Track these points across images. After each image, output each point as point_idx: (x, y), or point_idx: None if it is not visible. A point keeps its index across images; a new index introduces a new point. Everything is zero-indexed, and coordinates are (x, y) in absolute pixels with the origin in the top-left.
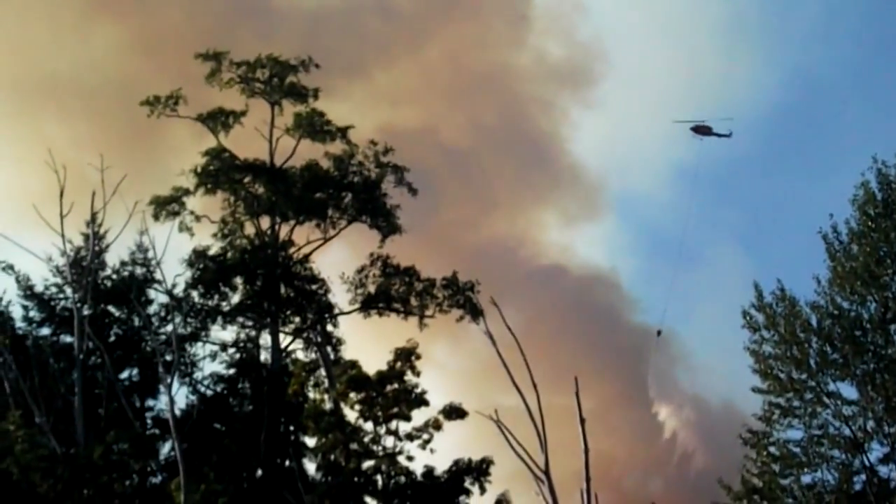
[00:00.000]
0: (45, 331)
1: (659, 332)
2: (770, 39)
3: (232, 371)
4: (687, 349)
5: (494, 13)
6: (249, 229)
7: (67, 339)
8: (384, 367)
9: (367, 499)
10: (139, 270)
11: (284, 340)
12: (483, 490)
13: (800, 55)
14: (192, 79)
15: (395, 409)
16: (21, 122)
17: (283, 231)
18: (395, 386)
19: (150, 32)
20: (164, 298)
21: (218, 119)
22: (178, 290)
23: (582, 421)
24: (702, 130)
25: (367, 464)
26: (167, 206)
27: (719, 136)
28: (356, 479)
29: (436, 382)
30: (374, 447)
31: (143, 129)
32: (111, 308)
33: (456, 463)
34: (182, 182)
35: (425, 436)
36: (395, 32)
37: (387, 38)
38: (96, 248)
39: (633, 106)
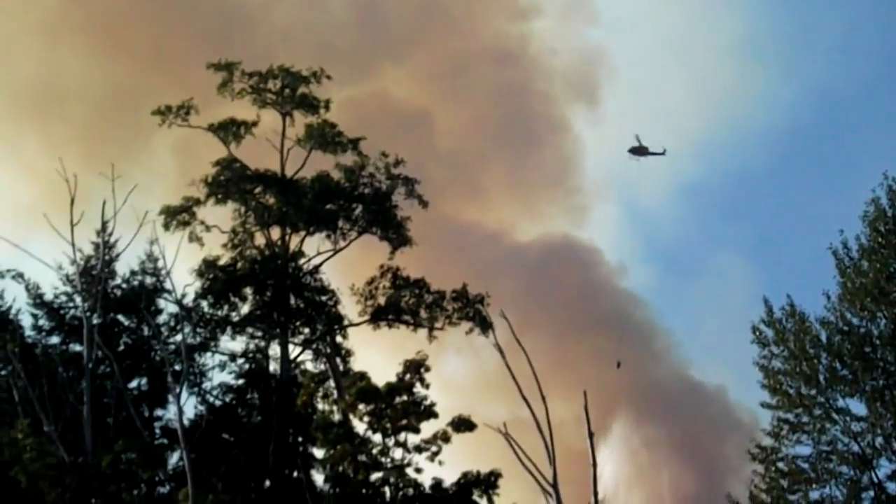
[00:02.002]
0: (55, 339)
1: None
2: (786, 55)
3: (241, 381)
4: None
5: (502, 18)
6: (260, 240)
7: (77, 347)
8: (393, 379)
9: None
10: (149, 280)
11: (294, 351)
12: (491, 502)
13: (815, 71)
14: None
15: (404, 421)
16: (26, 130)
17: (294, 242)
18: (404, 398)
19: (127, 42)
20: (173, 308)
21: (229, 129)
22: (188, 300)
23: (590, 434)
24: (638, 151)
25: (376, 475)
26: (177, 215)
27: (654, 154)
28: (364, 490)
29: (444, 394)
30: (383, 459)
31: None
32: (121, 317)
33: (464, 475)
34: (192, 192)
35: (434, 448)
36: (398, 32)
37: (389, 38)
38: (106, 258)
39: (642, 119)
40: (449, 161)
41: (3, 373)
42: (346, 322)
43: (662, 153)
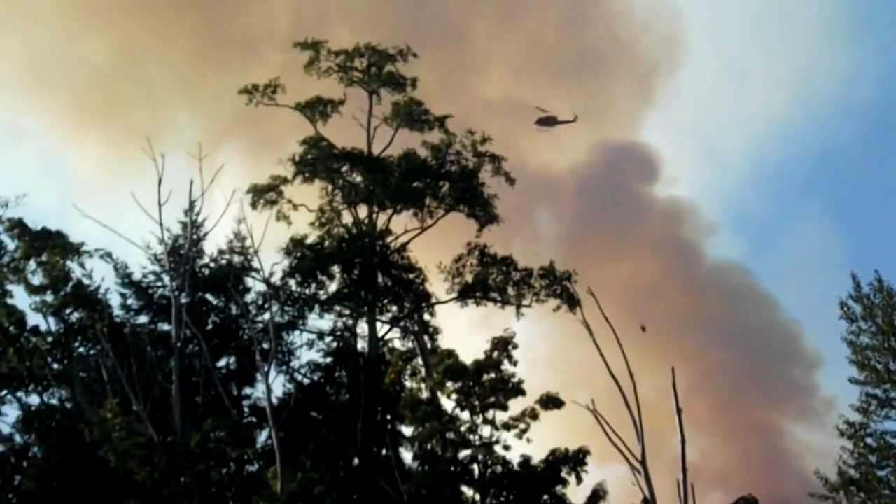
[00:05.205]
0: (143, 319)
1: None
2: (877, 27)
3: (329, 360)
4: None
5: None
6: (347, 218)
7: (165, 326)
8: (481, 357)
9: (464, 488)
10: (237, 259)
11: (381, 329)
12: (580, 480)
13: None
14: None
15: (492, 399)
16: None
17: (381, 220)
18: (492, 375)
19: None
20: (261, 287)
21: (316, 108)
22: (276, 279)
23: (678, 411)
24: (546, 122)
25: (464, 453)
26: (265, 194)
27: (565, 122)
28: (453, 468)
29: (532, 372)
30: (471, 436)
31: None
32: (209, 296)
33: (552, 452)
34: (280, 171)
35: (522, 425)
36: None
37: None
38: (194, 237)
39: (723, 95)
40: (513, 105)
41: (93, 352)
42: (433, 300)
43: (573, 120)
